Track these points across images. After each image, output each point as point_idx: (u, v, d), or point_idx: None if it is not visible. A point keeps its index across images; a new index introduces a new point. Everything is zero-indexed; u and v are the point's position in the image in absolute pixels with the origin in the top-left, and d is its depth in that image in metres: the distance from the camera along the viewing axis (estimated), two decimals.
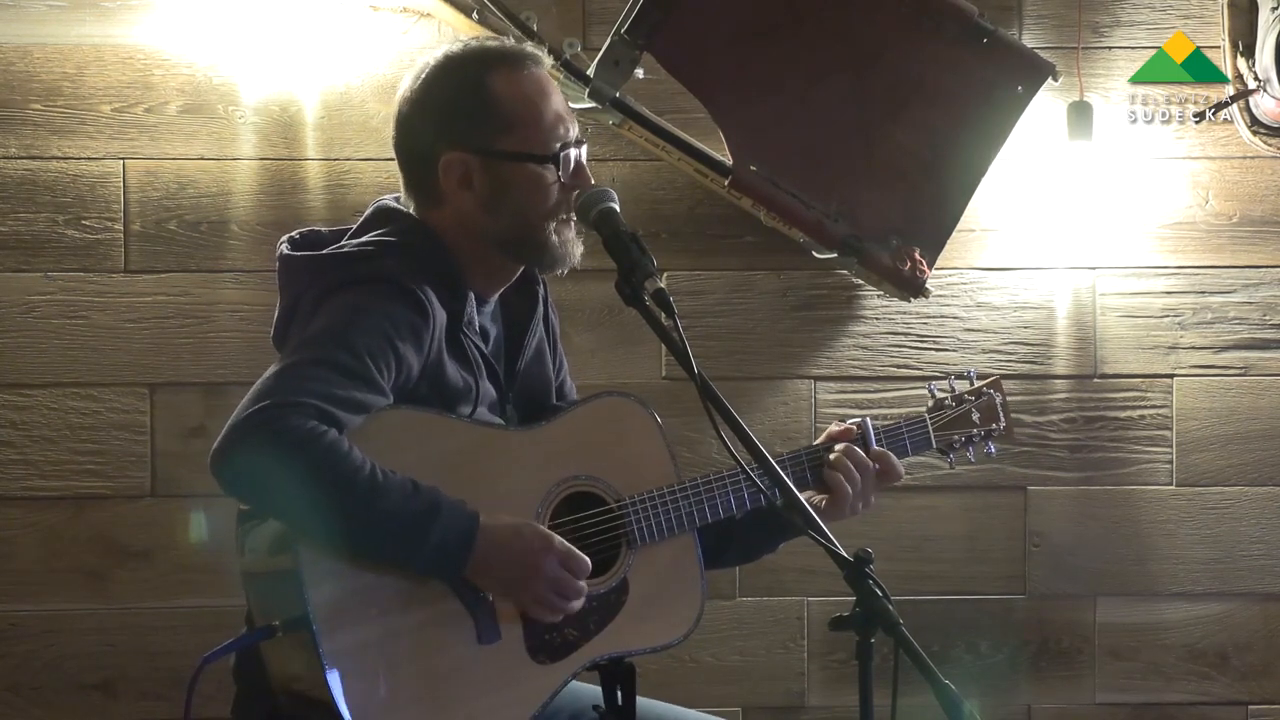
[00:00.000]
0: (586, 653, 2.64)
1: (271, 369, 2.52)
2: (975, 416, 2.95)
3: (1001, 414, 2.97)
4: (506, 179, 2.66)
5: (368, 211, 2.75)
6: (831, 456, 2.80)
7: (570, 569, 2.57)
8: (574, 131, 2.70)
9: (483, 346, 2.70)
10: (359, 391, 2.49)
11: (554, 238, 2.68)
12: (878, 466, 2.81)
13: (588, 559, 2.59)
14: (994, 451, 2.99)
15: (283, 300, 2.67)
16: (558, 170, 2.66)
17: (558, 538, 2.57)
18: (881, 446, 2.84)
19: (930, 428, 2.92)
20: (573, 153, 2.68)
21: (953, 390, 2.96)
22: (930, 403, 2.95)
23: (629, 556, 2.69)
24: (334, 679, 2.45)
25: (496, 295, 2.77)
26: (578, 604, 2.59)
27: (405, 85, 2.71)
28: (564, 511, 2.66)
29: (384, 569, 2.51)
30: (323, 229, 2.75)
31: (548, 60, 2.74)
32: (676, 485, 2.72)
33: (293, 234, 2.72)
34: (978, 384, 2.98)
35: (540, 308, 2.81)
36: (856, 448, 2.81)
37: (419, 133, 2.70)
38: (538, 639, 2.60)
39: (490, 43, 2.77)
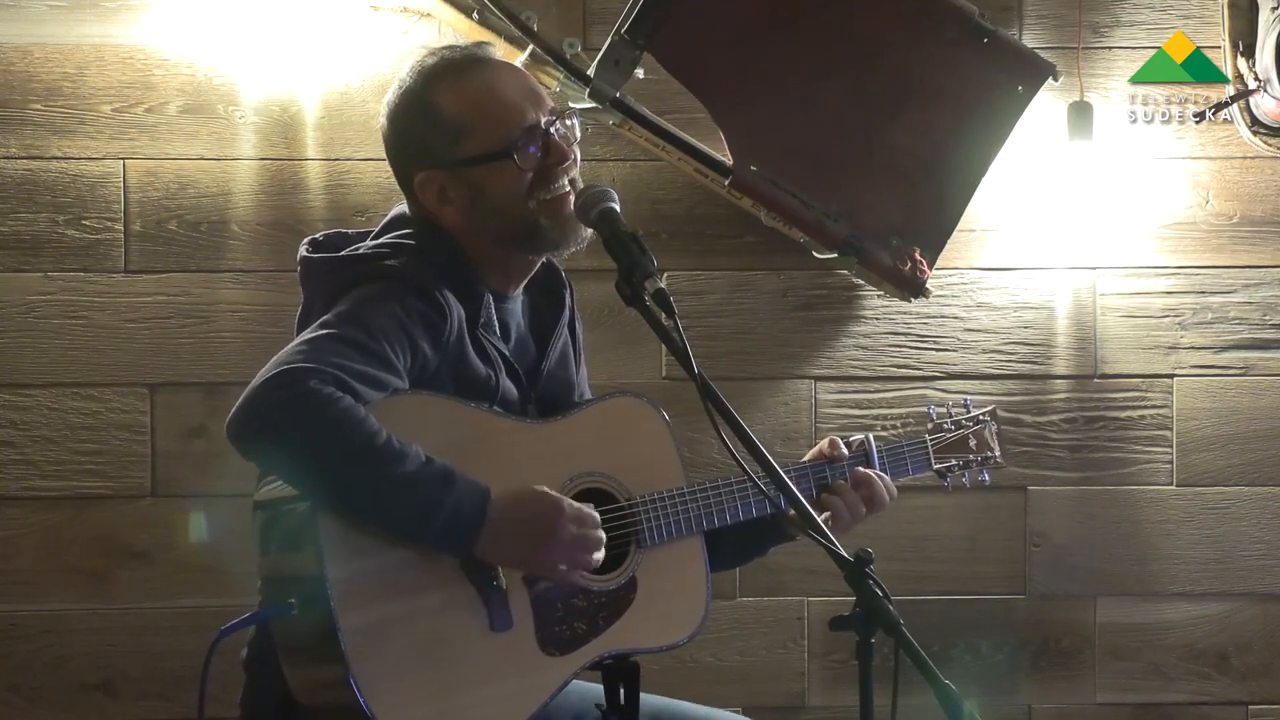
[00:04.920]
0: (594, 648, 2.65)
1: (291, 343, 2.53)
2: (972, 443, 3.04)
3: (996, 443, 3.05)
4: (478, 183, 2.68)
5: (388, 215, 2.78)
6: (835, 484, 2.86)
7: (583, 525, 2.57)
8: (543, 110, 2.70)
9: (501, 346, 2.71)
10: (374, 369, 2.51)
11: (543, 219, 2.68)
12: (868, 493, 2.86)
13: (595, 513, 2.59)
14: (988, 479, 3.05)
15: (304, 300, 2.71)
16: (515, 159, 2.65)
17: (565, 499, 2.57)
18: (883, 464, 2.91)
19: (930, 449, 2.99)
20: (540, 132, 2.67)
21: (950, 415, 3.03)
22: (929, 425, 3.01)
23: (638, 555, 2.70)
24: (348, 656, 2.45)
25: (519, 290, 2.78)
26: (599, 555, 2.58)
27: (380, 121, 2.77)
28: None
29: (401, 548, 2.51)
30: (348, 231, 2.78)
31: (495, 51, 2.75)
32: (687, 488, 2.74)
33: (316, 235, 2.76)
34: (974, 411, 3.04)
35: (566, 314, 2.84)
36: (866, 472, 2.87)
37: (394, 164, 2.76)
38: (548, 630, 2.61)
39: (432, 57, 2.76)
